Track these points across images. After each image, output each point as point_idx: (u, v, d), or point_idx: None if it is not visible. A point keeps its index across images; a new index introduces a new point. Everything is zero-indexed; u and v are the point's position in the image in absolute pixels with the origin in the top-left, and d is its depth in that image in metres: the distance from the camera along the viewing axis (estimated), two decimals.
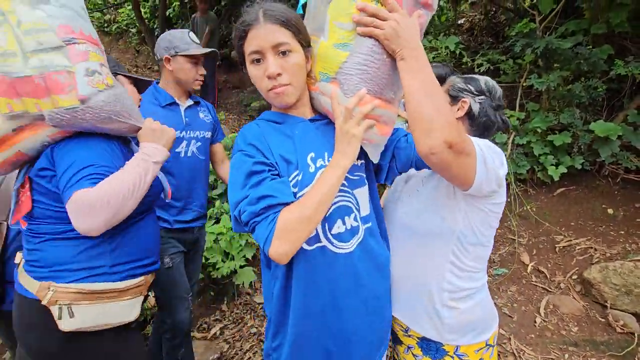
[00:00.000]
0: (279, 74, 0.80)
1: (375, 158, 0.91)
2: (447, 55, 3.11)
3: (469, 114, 1.04)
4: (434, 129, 0.74)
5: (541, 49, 2.64)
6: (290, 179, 0.83)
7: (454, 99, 1.07)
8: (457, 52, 3.05)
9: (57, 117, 0.90)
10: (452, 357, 1.01)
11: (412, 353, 1.07)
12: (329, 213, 0.85)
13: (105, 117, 0.95)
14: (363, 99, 0.81)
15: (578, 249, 2.63)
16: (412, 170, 1.01)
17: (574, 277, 2.48)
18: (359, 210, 0.91)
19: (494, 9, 4.55)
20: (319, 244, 0.85)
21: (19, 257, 1.03)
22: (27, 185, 0.97)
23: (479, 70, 3.06)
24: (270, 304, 0.92)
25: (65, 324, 0.91)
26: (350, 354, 0.90)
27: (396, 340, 1.13)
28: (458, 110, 1.05)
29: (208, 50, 1.57)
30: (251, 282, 2.50)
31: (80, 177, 0.90)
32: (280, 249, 0.74)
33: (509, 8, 3.88)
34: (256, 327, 2.25)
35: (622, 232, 2.65)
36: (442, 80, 1.81)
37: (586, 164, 2.84)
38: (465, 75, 1.15)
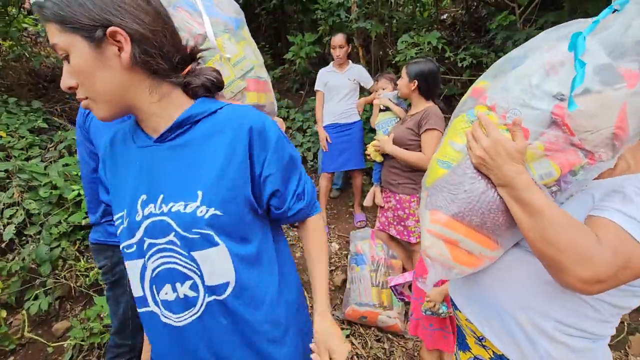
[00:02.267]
0: (71, 87, 0.63)
1: (437, 278, 0.79)
2: (430, 51, 3.09)
3: None
4: (564, 270, 0.61)
5: (521, 41, 2.63)
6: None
7: None
8: (440, 47, 3.04)
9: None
10: None
11: None
12: (155, 274, 0.70)
13: None
14: (437, 217, 0.74)
15: None
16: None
17: None
18: (201, 277, 0.69)
19: (474, 3, 4.56)
20: (147, 308, 0.73)
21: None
22: None
23: (462, 64, 3.05)
24: None
25: None
26: None
27: (462, 345, 0.98)
28: None
29: None
30: None
31: None
32: None
33: (490, 2, 3.89)
34: None
35: None
36: (433, 74, 1.80)
37: None
38: None
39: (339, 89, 2.83)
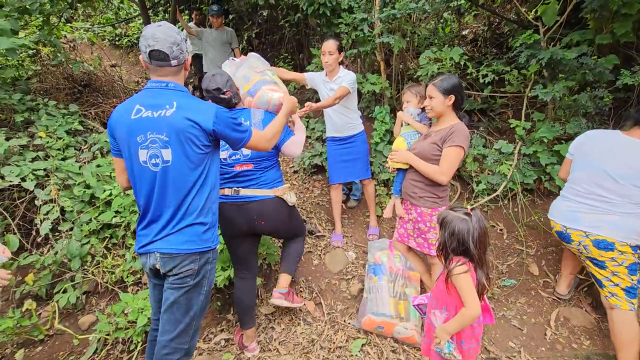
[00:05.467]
0: None
1: None
2: (452, 66, 3.13)
3: None
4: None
5: (546, 59, 2.65)
6: None
7: None
8: (462, 62, 3.07)
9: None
10: None
11: None
12: None
13: None
14: None
15: None
16: None
17: (585, 289, 2.44)
18: None
19: (497, 20, 4.59)
20: None
21: (229, 190, 1.97)
22: None
23: (484, 80, 3.08)
24: None
25: (291, 201, 2.06)
26: None
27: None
28: None
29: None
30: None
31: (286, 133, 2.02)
32: None
33: (512, 19, 3.92)
34: (260, 337, 2.24)
35: None
36: (462, 86, 1.87)
37: None
38: None
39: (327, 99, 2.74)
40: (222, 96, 1.88)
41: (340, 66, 2.76)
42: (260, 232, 2.08)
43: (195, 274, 1.44)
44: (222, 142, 1.75)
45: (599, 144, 1.99)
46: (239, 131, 1.52)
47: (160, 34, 1.37)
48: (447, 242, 1.44)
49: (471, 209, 1.44)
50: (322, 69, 3.74)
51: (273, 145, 1.70)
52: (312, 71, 4.18)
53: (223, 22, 4.75)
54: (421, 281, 2.34)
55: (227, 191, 1.97)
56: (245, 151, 1.94)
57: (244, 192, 1.96)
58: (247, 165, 1.96)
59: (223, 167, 1.97)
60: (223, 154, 1.95)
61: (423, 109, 2.30)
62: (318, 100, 4.40)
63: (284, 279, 2.22)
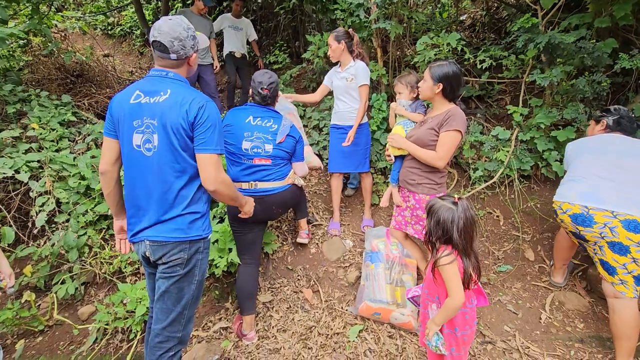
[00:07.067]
0: None
1: None
2: (449, 52, 3.08)
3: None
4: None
5: (544, 44, 2.61)
6: None
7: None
8: (459, 48, 3.03)
9: None
10: None
11: None
12: None
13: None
14: None
15: None
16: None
17: (580, 273, 2.46)
18: None
19: (495, 4, 4.51)
20: None
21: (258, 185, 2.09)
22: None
23: (482, 66, 3.05)
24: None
25: (301, 183, 2.26)
26: None
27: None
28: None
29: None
30: None
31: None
32: None
33: (511, 4, 3.85)
34: (259, 325, 2.26)
35: None
36: (457, 77, 1.82)
37: None
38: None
39: (339, 89, 2.81)
40: (259, 90, 2.06)
41: (352, 57, 2.74)
42: (273, 218, 2.32)
43: (185, 263, 1.45)
44: (245, 134, 2.02)
45: (600, 139, 2.06)
46: (214, 137, 1.39)
47: (165, 27, 1.39)
48: (433, 230, 1.44)
49: (458, 198, 1.42)
50: (319, 57, 3.70)
51: (221, 190, 1.45)
52: (308, 58, 4.13)
53: (216, 10, 4.64)
54: (417, 268, 2.36)
55: (245, 185, 2.06)
56: (267, 147, 2.03)
57: (261, 185, 2.06)
58: (265, 160, 2.05)
59: (242, 156, 2.04)
60: (246, 144, 2.02)
61: (416, 98, 2.28)
62: (316, 88, 4.35)
63: (304, 222, 2.72)
